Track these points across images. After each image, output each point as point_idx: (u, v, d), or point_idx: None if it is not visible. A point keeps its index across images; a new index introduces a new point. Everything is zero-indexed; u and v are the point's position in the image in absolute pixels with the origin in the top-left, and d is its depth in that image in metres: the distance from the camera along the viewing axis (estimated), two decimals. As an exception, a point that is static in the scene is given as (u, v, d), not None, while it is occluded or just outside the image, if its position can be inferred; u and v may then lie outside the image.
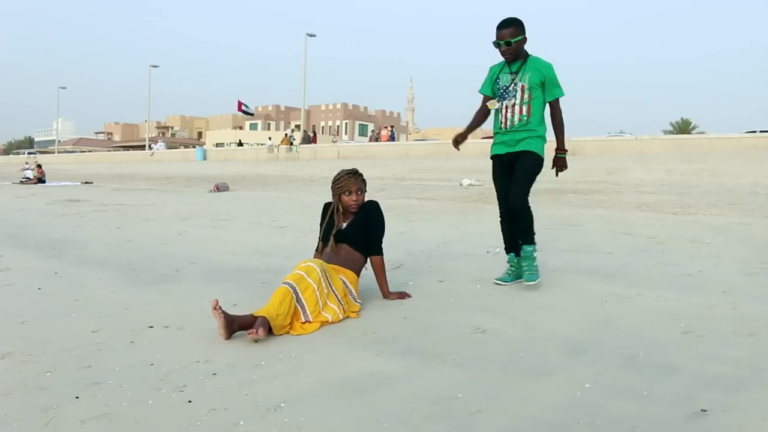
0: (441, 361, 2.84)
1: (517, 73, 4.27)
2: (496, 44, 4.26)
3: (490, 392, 2.48)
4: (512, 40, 4.19)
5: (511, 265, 4.47)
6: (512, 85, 4.27)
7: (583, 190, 14.02)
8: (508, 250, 4.53)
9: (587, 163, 19.05)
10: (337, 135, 59.21)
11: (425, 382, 2.59)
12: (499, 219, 4.61)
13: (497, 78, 4.38)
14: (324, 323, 3.37)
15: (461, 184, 16.44)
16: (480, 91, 4.51)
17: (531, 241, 4.29)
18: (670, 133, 54.83)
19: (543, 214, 9.88)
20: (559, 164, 4.49)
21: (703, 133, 36.85)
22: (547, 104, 4.34)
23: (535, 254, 4.27)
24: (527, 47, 4.33)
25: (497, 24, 4.26)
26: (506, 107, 4.31)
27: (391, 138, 39.92)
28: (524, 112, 4.25)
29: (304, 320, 3.32)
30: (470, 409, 2.32)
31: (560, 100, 4.35)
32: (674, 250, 6.10)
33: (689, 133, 43.78)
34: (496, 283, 4.40)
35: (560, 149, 4.45)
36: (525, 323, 3.45)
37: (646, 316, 3.63)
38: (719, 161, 16.69)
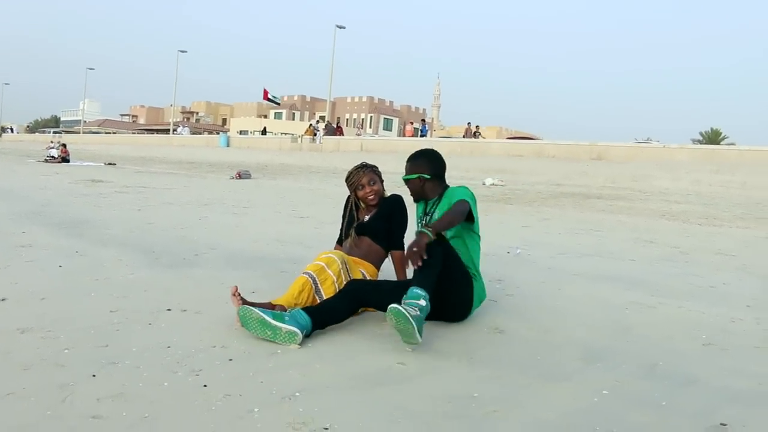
0: (458, 359, 2.82)
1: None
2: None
3: (506, 393, 2.45)
4: (404, 177, 3.71)
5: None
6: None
7: (607, 196, 13.89)
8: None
9: (613, 169, 18.86)
10: (362, 128, 59.05)
11: (441, 380, 2.58)
12: None
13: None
14: None
15: (484, 184, 16.38)
16: None
17: None
18: (699, 142, 54.03)
19: (566, 218, 9.83)
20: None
21: (733, 144, 36.25)
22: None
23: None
24: None
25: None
26: None
27: (423, 132, 39.36)
28: None
29: (322, 311, 3.30)
30: (486, 409, 2.29)
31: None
32: (698, 261, 6.01)
33: (719, 144, 43.05)
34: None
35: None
36: (543, 326, 3.42)
37: (667, 326, 3.57)
38: (749, 173, 16.40)
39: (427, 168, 3.62)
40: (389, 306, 2.81)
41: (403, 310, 2.78)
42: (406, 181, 3.67)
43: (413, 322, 2.79)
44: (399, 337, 2.95)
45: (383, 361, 2.77)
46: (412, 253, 2.94)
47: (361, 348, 2.93)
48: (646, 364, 2.85)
